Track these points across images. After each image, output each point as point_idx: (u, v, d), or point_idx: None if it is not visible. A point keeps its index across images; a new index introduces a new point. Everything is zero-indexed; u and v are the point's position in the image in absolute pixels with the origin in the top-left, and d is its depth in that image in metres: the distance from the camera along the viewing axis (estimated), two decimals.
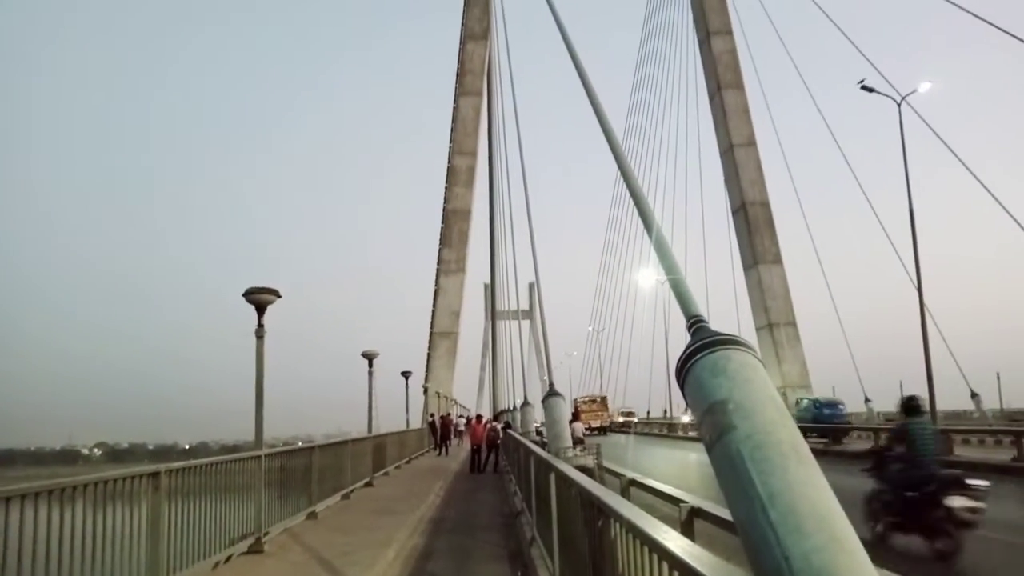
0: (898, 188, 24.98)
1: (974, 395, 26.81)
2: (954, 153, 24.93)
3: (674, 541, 2.42)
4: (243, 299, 9.35)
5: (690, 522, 7.87)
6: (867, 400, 36.99)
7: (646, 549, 2.62)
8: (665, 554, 2.34)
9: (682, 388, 3.38)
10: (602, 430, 56.70)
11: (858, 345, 39.97)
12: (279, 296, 9.47)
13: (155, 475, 6.28)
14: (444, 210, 57.90)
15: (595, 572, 3.80)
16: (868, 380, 38.37)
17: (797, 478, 2.63)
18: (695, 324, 3.76)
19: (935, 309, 25.62)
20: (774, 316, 51.50)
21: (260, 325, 9.48)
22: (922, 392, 23.62)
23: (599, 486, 4.16)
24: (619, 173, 5.54)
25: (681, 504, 7.61)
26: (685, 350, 3.37)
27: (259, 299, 9.33)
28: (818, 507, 2.53)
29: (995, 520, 11.81)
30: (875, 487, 9.66)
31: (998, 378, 32.14)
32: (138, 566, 5.89)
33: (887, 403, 38.70)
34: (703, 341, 3.28)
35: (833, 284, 44.42)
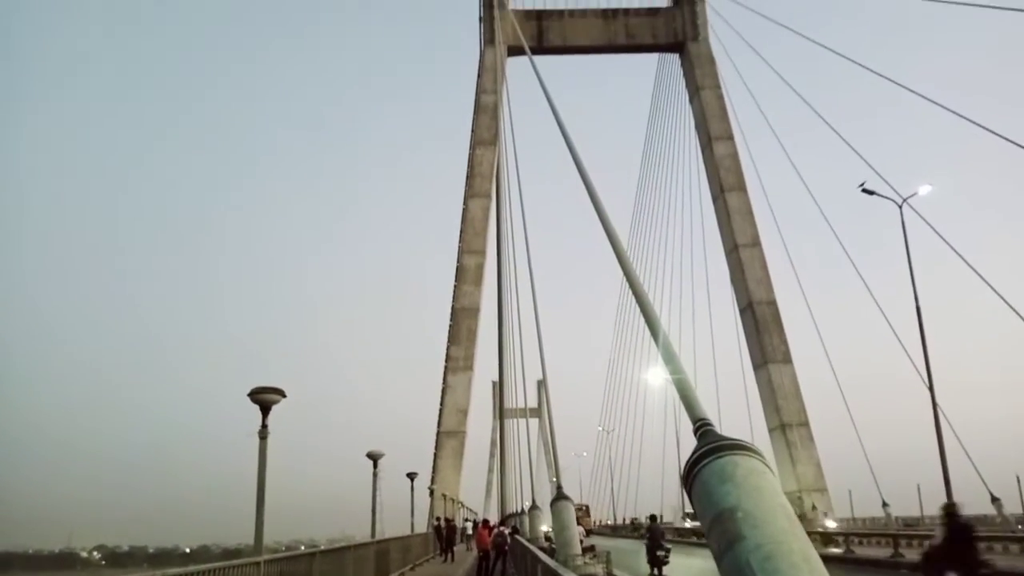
0: (903, 285, 25.09)
1: (995, 499, 26.04)
2: (957, 252, 25.16)
3: None
4: (247, 399, 9.31)
5: None
6: (885, 504, 35.91)
7: None
8: None
9: (689, 494, 3.31)
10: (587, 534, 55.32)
11: (873, 447, 39.12)
12: (284, 396, 9.43)
13: None
14: (452, 308, 58.24)
15: None
16: (884, 483, 37.33)
17: None
18: (701, 427, 3.71)
19: (950, 410, 25.25)
20: (786, 416, 50.69)
21: (264, 426, 9.39)
22: (940, 496, 23.00)
23: None
24: (623, 276, 5.62)
25: None
26: (692, 455, 3.32)
27: (264, 399, 9.28)
28: None
29: None
30: None
31: (1019, 481, 31.24)
32: None
33: (905, 508, 37.63)
34: (710, 446, 3.24)
35: (844, 384, 43.78)
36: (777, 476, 3.17)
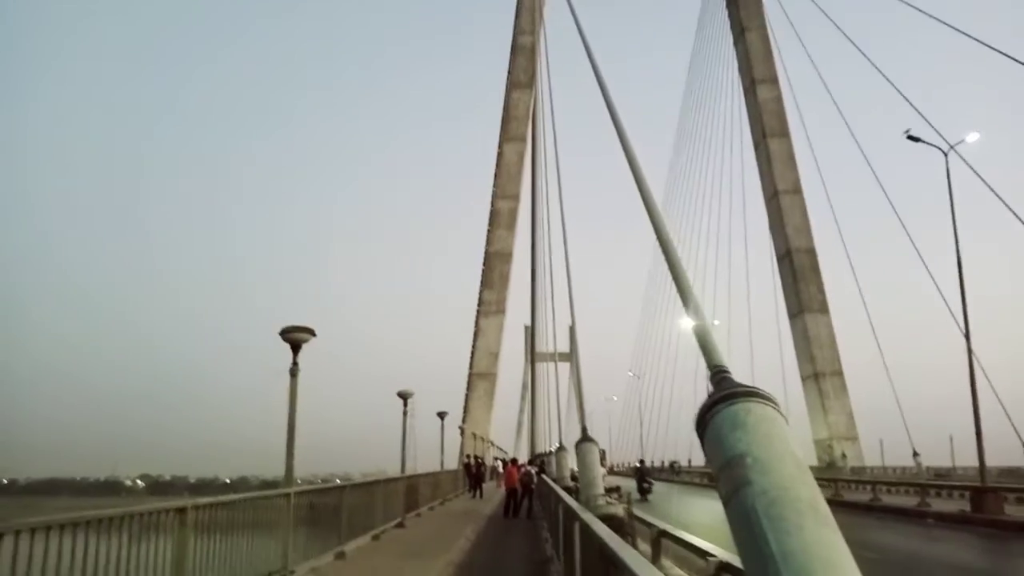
0: (947, 236, 24.45)
1: None
2: (1003, 201, 24.39)
3: None
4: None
5: None
6: (915, 454, 35.78)
7: None
8: None
9: (701, 439, 3.32)
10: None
11: (906, 397, 38.78)
12: (314, 335, 9.60)
13: (182, 510, 6.35)
14: (486, 252, 58.41)
15: None
16: (916, 433, 37.10)
17: (813, 538, 2.54)
18: (718, 374, 3.70)
19: (987, 362, 24.83)
20: (820, 366, 50.39)
21: (295, 363, 9.59)
22: (972, 447, 22.79)
23: (617, 539, 4.07)
24: (651, 223, 5.55)
25: (709, 558, 7.42)
26: (706, 401, 3.32)
27: (294, 338, 9.46)
28: (833, 570, 2.45)
29: None
30: None
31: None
32: None
33: (937, 458, 37.40)
34: (724, 392, 3.23)
35: (880, 334, 43.19)
36: (789, 423, 3.15)
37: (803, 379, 51.98)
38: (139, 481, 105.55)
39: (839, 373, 50.48)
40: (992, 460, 24.92)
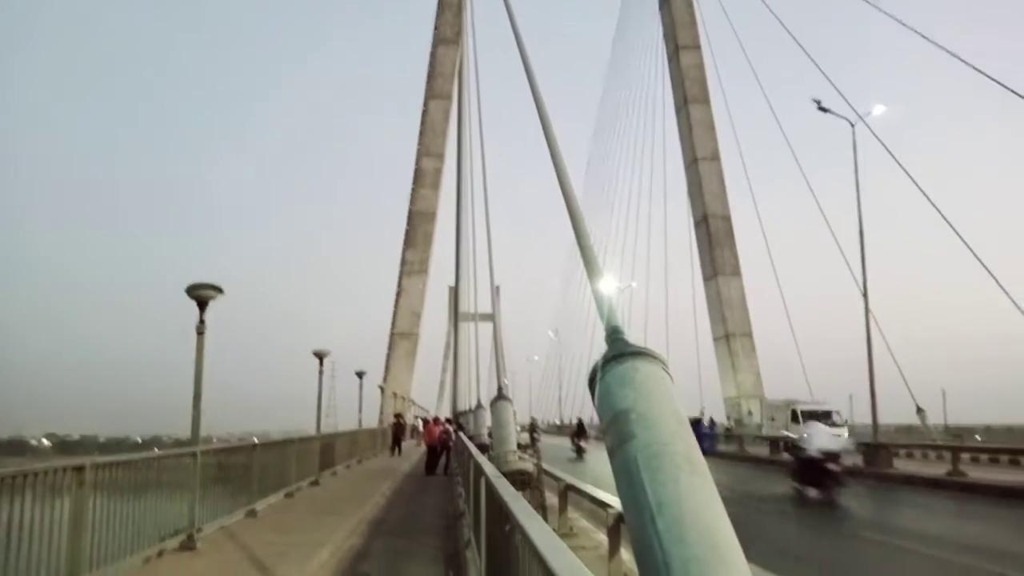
0: (854, 205, 25.57)
1: (920, 410, 27.49)
2: (907, 172, 25.59)
3: (558, 556, 2.49)
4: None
5: (617, 527, 8.03)
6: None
7: (536, 559, 2.69)
8: (546, 569, 2.42)
9: (593, 395, 3.47)
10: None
11: (810, 359, 40.64)
12: (221, 292, 9.38)
13: (80, 469, 6.20)
14: (409, 211, 57.77)
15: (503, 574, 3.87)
16: (819, 391, 39.06)
17: (687, 489, 2.72)
18: (612, 335, 3.86)
19: (887, 329, 26.26)
20: (731, 327, 52.28)
21: (201, 321, 9.38)
22: (867, 406, 24.21)
23: (512, 492, 4.21)
24: (559, 187, 5.63)
25: (609, 510, 7.74)
26: (598, 360, 3.46)
27: (200, 295, 9.23)
28: (703, 518, 2.62)
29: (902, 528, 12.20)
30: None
31: (944, 396, 33.06)
32: (57, 560, 5.80)
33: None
34: (615, 352, 3.38)
35: (789, 298, 45.08)
36: (674, 382, 3.32)
37: (715, 340, 53.88)
38: (45, 440, 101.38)
39: (748, 334, 52.52)
40: (889, 418, 26.62)
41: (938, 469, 20.84)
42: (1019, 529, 12.79)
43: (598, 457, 29.14)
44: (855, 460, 24.43)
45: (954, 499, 16.82)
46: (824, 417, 27.46)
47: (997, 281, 22.01)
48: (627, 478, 2.87)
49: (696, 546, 2.50)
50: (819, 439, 17.44)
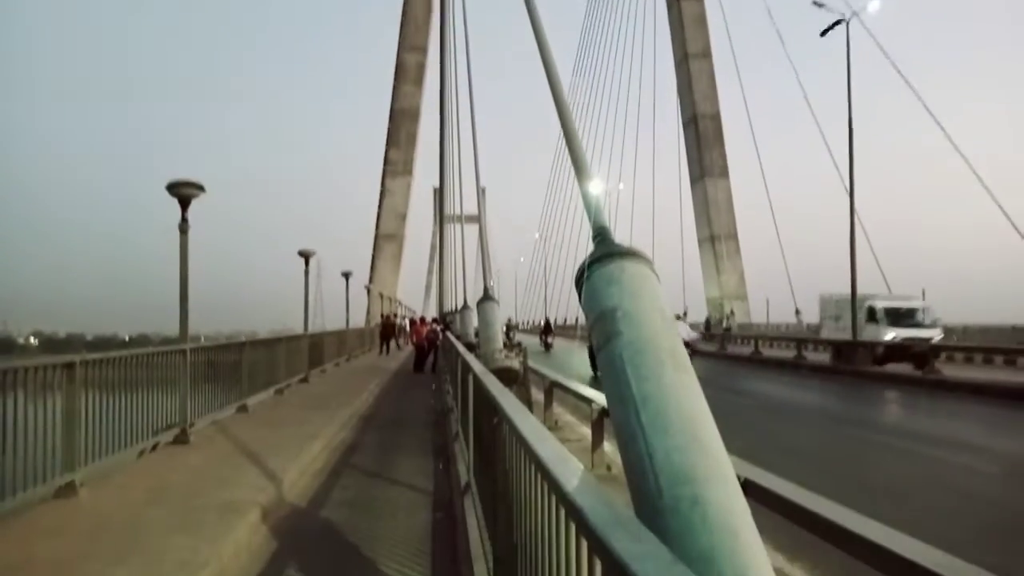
0: (844, 106, 25.18)
1: None
2: (900, 73, 25.25)
3: (543, 444, 2.56)
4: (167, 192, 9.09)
5: (600, 421, 8.28)
6: (797, 312, 38.44)
7: (523, 449, 2.77)
8: (532, 456, 2.49)
9: (580, 294, 3.50)
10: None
11: (794, 260, 41.15)
12: (203, 190, 9.22)
13: (70, 366, 6.24)
14: (392, 109, 56.40)
15: (492, 466, 4.00)
16: (800, 293, 39.71)
17: (670, 383, 2.79)
18: (599, 236, 3.85)
19: (870, 228, 26.44)
20: (717, 228, 52.46)
21: (184, 219, 9.26)
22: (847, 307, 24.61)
23: (499, 387, 4.30)
24: (546, 79, 5.50)
25: (592, 405, 7.93)
26: (586, 259, 3.47)
27: (182, 193, 9.07)
28: (685, 411, 2.69)
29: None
30: None
31: (923, 294, 33.57)
32: (54, 455, 5.93)
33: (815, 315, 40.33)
34: (602, 251, 3.39)
35: (776, 201, 45.13)
36: (660, 281, 3.34)
37: (700, 241, 54.15)
38: (32, 339, 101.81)
39: (734, 236, 52.78)
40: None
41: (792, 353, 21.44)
42: (988, 425, 13.30)
43: (563, 348, 37.90)
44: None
45: (929, 396, 17.38)
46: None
47: (981, 181, 22.04)
48: (612, 374, 2.94)
49: (678, 436, 2.58)
50: None
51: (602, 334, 3.14)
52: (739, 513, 2.39)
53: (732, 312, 46.37)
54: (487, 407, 4.45)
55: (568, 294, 69.25)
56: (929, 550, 2.45)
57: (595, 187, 4.59)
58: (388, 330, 33.60)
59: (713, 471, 2.48)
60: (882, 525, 2.75)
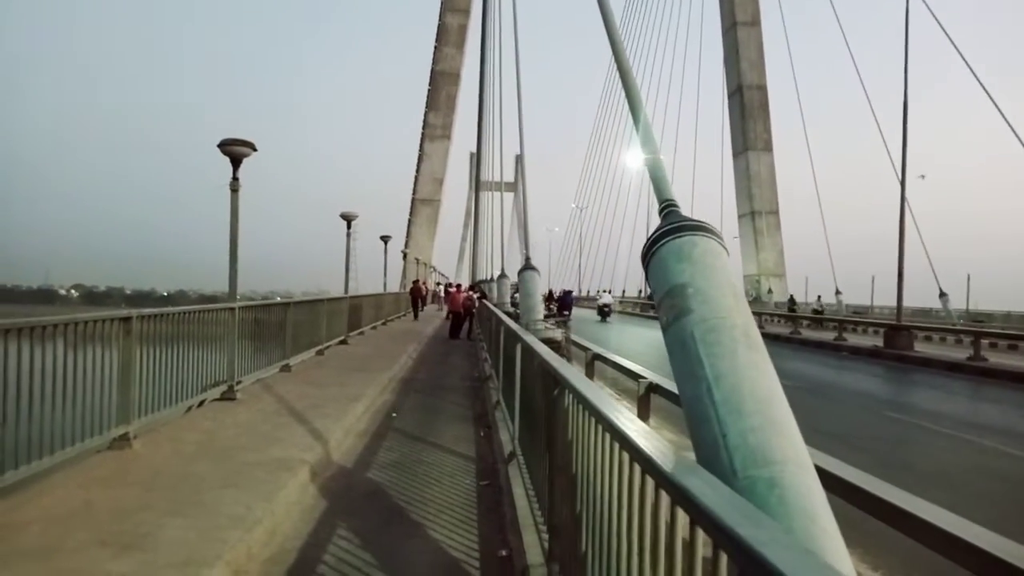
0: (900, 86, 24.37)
1: (942, 294, 27.39)
2: (957, 48, 24.25)
3: (617, 414, 2.53)
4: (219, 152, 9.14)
5: (647, 396, 8.19)
6: (838, 292, 37.78)
7: (592, 420, 2.74)
8: (607, 424, 2.46)
9: (646, 270, 3.43)
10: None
11: (836, 240, 40.35)
12: (255, 149, 9.26)
13: (127, 320, 6.35)
14: (432, 71, 56.14)
15: (549, 436, 3.98)
16: (840, 272, 38.97)
17: (744, 362, 2.73)
18: (667, 208, 3.76)
19: (917, 211, 25.72)
20: (758, 204, 51.63)
21: (235, 178, 9.32)
22: (893, 288, 24.14)
23: (558, 358, 4.27)
24: (611, 51, 5.39)
25: (640, 380, 7.87)
26: (654, 233, 3.39)
27: (234, 151, 9.12)
28: (760, 391, 2.64)
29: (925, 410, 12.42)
30: None
31: (968, 280, 32.79)
32: (109, 407, 6.07)
33: (857, 297, 39.62)
34: (672, 225, 3.31)
35: (820, 178, 44.14)
36: (729, 257, 3.27)
37: (740, 216, 53.34)
38: (73, 291, 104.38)
39: (775, 212, 51.91)
40: (911, 301, 26.53)
41: (959, 353, 20.99)
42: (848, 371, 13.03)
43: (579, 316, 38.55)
44: (875, 341, 24.69)
45: (972, 383, 17.03)
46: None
47: None
48: (683, 351, 2.88)
49: (753, 417, 2.53)
50: None
51: (671, 310, 3.08)
52: (816, 496, 2.34)
53: (770, 290, 45.79)
54: (542, 377, 4.44)
55: (602, 265, 68.96)
56: (998, 539, 2.37)
57: (660, 159, 4.50)
58: (416, 295, 33.52)
59: (789, 453, 2.43)
60: (948, 511, 2.67)
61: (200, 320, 8.19)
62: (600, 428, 2.60)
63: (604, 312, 41.00)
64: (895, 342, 22.72)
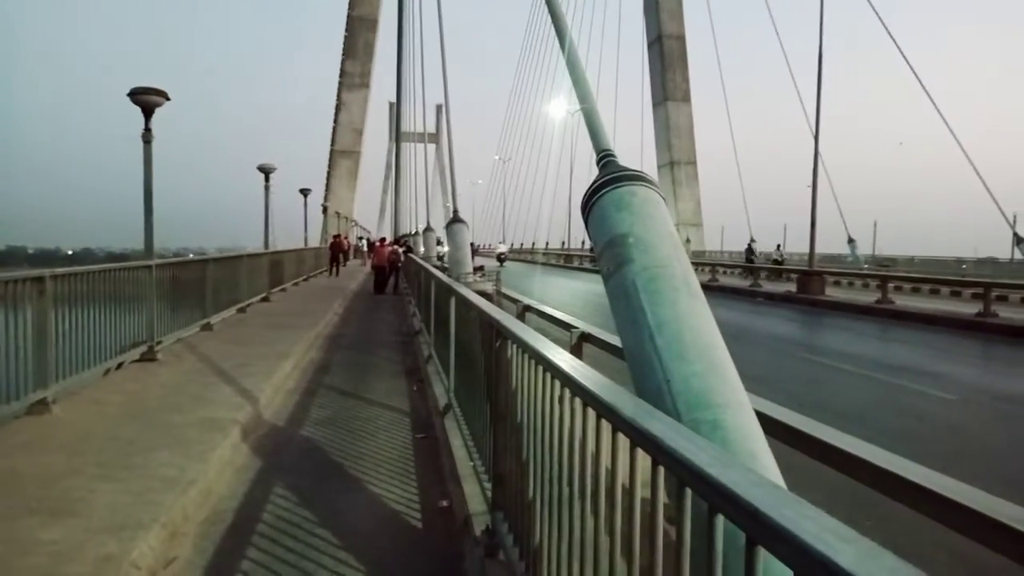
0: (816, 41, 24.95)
1: (851, 240, 28.61)
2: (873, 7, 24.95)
3: (564, 360, 2.55)
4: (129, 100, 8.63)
5: (579, 346, 8.33)
6: (752, 240, 39.02)
7: (540, 368, 2.74)
8: (557, 372, 2.48)
9: (586, 220, 3.45)
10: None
11: (751, 189, 41.54)
12: (167, 98, 8.79)
13: (40, 280, 6.03)
14: (349, 17, 54.27)
15: (490, 387, 4.00)
16: (756, 223, 40.22)
17: (685, 310, 2.79)
18: (604, 158, 3.78)
19: (829, 162, 26.66)
20: (676, 154, 52.49)
21: (147, 129, 8.84)
22: (805, 236, 25.09)
23: (497, 309, 4.28)
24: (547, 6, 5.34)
25: (572, 330, 7.99)
26: (593, 183, 3.41)
27: (146, 100, 8.63)
28: (701, 337, 2.71)
29: (835, 351, 13.08)
30: None
31: (875, 227, 34.44)
32: (25, 371, 5.78)
33: (771, 244, 41.04)
34: (611, 175, 3.33)
35: (739, 130, 45.21)
36: (668, 207, 3.32)
37: (659, 167, 54.18)
38: None
39: (693, 162, 52.94)
40: (822, 247, 27.63)
41: (868, 297, 22.07)
42: (938, 351, 13.86)
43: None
44: (788, 287, 25.69)
45: (881, 324, 17.99)
46: None
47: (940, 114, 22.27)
48: (625, 300, 2.93)
49: (696, 363, 2.61)
50: None
51: (613, 260, 3.12)
52: (756, 437, 2.44)
53: (688, 239, 46.93)
54: (482, 329, 4.44)
55: (526, 218, 69.18)
56: (933, 474, 2.53)
57: (594, 105, 4.49)
58: (336, 250, 32.32)
59: (730, 396, 2.52)
60: (883, 450, 2.83)
61: (116, 279, 7.83)
62: (549, 376, 2.61)
63: (500, 259, 52.15)
64: (808, 287, 23.70)
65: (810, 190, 24.30)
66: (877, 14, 21.68)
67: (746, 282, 28.56)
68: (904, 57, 22.48)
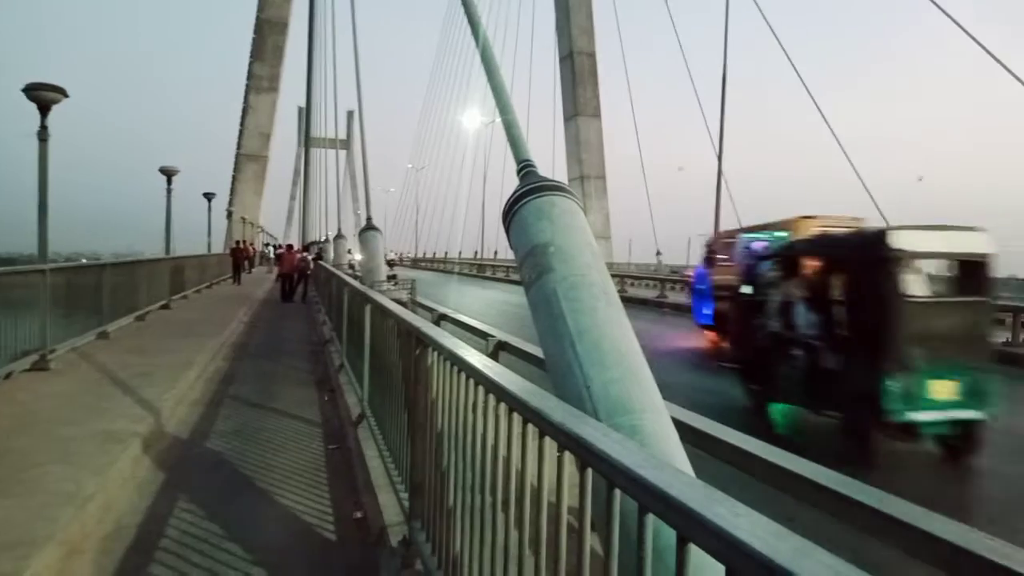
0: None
1: (658, 253, 32.51)
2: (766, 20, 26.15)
3: (488, 366, 2.57)
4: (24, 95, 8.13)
5: (495, 354, 8.38)
6: (658, 253, 40.24)
7: (463, 375, 2.74)
8: (482, 378, 2.48)
9: (507, 230, 3.50)
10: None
11: (658, 204, 42.86)
12: (66, 95, 8.33)
13: None
14: (257, 19, 52.91)
15: (408, 395, 3.97)
16: (662, 236, 41.52)
17: (604, 318, 2.88)
18: (525, 168, 3.84)
19: (732, 176, 27.75)
20: (586, 168, 53.47)
21: (43, 127, 8.35)
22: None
23: (416, 317, 4.27)
24: (464, 10, 5.38)
25: (489, 338, 8.04)
26: (514, 193, 3.46)
27: (42, 96, 8.15)
28: (619, 344, 2.80)
29: None
30: None
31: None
32: None
33: (675, 257, 42.51)
34: (531, 185, 3.39)
35: (647, 145, 46.56)
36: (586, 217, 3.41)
37: (569, 180, 55.03)
38: None
39: (602, 176, 54.05)
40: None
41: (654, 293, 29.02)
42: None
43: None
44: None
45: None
46: None
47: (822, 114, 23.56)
48: (547, 308, 2.99)
49: (614, 369, 2.69)
50: None
51: (534, 269, 3.17)
52: (672, 441, 2.54)
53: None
54: (401, 337, 4.40)
55: (439, 227, 69.00)
56: (819, 468, 2.65)
57: (515, 118, 4.55)
58: (239, 257, 30.70)
59: (647, 402, 2.61)
60: (786, 452, 2.96)
61: (5, 284, 7.36)
62: (473, 383, 2.62)
63: (391, 264, 52.75)
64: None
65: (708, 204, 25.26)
66: (773, 32, 22.81)
67: (654, 293, 29.47)
68: (796, 72, 23.67)
